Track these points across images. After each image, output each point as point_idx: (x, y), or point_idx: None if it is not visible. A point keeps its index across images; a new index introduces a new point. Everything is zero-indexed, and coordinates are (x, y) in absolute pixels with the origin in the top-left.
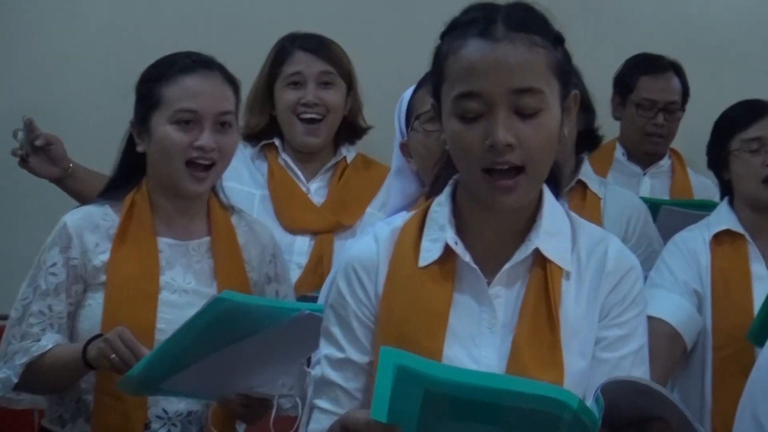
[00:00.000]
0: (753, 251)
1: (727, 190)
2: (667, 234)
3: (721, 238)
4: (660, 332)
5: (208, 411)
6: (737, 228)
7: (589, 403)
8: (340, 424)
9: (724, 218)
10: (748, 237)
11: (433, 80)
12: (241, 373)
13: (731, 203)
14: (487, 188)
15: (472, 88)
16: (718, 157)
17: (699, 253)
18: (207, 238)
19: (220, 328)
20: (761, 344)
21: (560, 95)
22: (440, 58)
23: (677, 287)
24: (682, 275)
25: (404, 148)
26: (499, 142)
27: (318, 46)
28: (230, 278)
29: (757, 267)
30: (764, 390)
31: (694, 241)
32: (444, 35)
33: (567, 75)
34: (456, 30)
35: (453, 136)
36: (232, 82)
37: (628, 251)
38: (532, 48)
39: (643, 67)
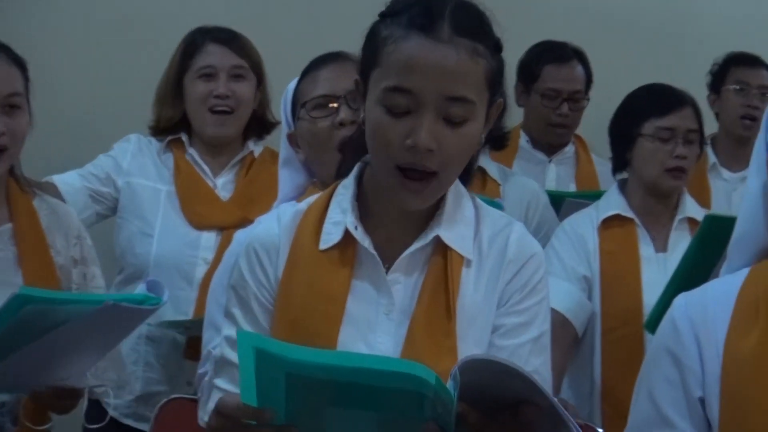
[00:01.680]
0: (642, 234)
1: (619, 167)
2: None
3: (610, 222)
4: (552, 320)
5: (20, 403)
6: (627, 213)
7: (449, 381)
8: (215, 410)
9: (613, 203)
10: (637, 221)
11: (364, 60)
12: (50, 366)
13: (621, 187)
14: (397, 185)
15: (405, 84)
16: (624, 136)
17: (587, 237)
18: (9, 225)
19: (22, 324)
20: None
21: (488, 104)
22: (377, 40)
23: (566, 274)
24: (570, 262)
25: (291, 138)
26: (421, 144)
27: (230, 38)
28: (35, 266)
29: (645, 249)
30: (659, 369)
31: (582, 226)
32: (384, 16)
33: (498, 85)
34: (399, 16)
35: (375, 125)
36: (19, 63)
37: (530, 238)
38: (473, 57)
39: (547, 55)
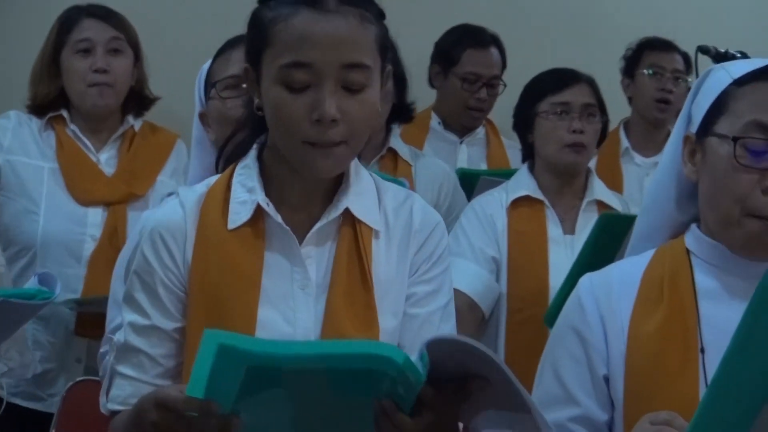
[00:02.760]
0: (551, 215)
1: (529, 153)
2: None
3: (519, 202)
4: (459, 303)
5: None
6: (536, 194)
7: (414, 358)
8: (154, 401)
9: (523, 184)
10: (546, 202)
11: (253, 45)
12: None
13: (531, 168)
14: (307, 157)
15: (302, 58)
16: (524, 119)
17: (496, 218)
18: None
19: None
20: None
21: (381, 71)
22: (264, 23)
23: (475, 256)
24: (479, 243)
25: (203, 117)
26: (326, 116)
27: (106, 13)
28: None
29: (553, 231)
30: (565, 347)
31: (491, 207)
32: (265, 0)
33: (387, 50)
34: None
35: (276, 104)
36: None
37: (431, 208)
38: (362, 23)
39: (468, 40)
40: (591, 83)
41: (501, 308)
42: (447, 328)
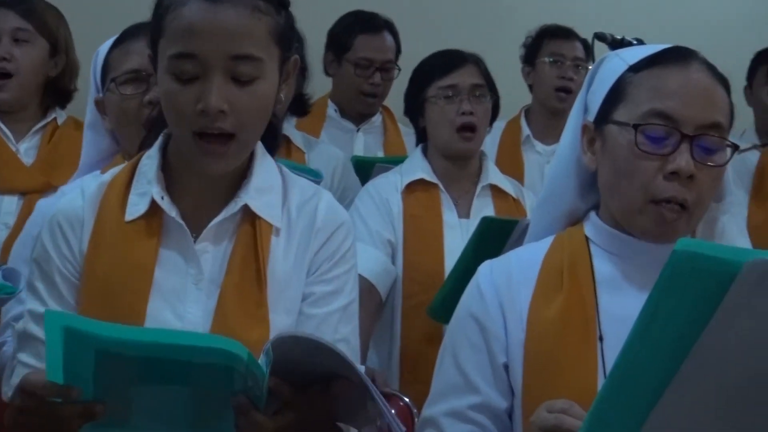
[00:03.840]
0: (445, 199)
1: (422, 138)
2: None
3: (414, 186)
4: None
5: None
6: (430, 177)
7: (261, 356)
8: (19, 387)
9: (417, 167)
10: (441, 186)
11: (151, 34)
12: None
13: (425, 151)
14: (198, 151)
15: (189, 49)
16: (415, 105)
17: (392, 201)
18: None
19: None
20: (444, 321)
21: (279, 61)
22: (160, 10)
23: (372, 239)
24: (375, 226)
25: (99, 104)
26: (211, 107)
27: (16, 1)
28: None
29: (448, 215)
30: (464, 335)
31: (387, 190)
32: None
33: (288, 41)
34: None
35: (166, 95)
36: None
37: (339, 207)
38: (254, 14)
39: (359, 26)
40: (478, 63)
41: (396, 293)
42: (346, 330)
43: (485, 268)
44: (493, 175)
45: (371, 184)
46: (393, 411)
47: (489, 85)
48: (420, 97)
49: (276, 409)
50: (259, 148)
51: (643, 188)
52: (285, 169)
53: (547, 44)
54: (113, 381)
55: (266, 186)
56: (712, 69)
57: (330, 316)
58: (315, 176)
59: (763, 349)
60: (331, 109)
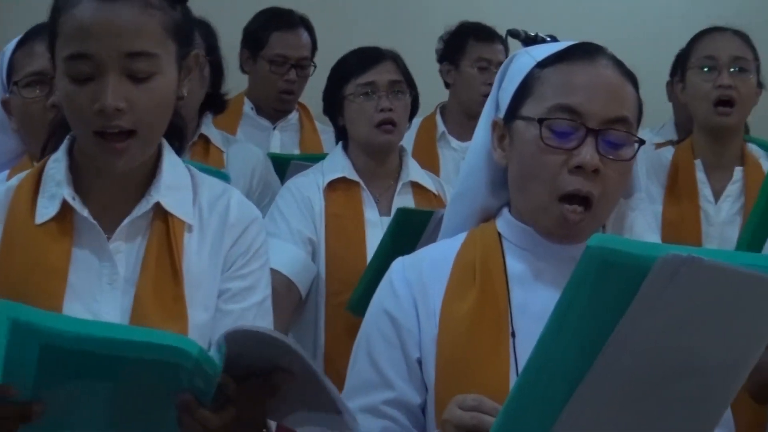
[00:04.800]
0: (366, 197)
1: (342, 136)
2: None
3: (335, 184)
4: (276, 283)
5: None
6: (351, 175)
7: (212, 351)
8: None
9: (338, 165)
10: (362, 183)
11: (49, 35)
12: None
13: (345, 149)
14: (99, 150)
15: (82, 49)
16: (334, 103)
17: (313, 200)
18: None
19: None
20: (363, 316)
21: (177, 56)
22: (54, 13)
23: (292, 236)
24: (295, 224)
25: (6, 104)
26: (107, 107)
27: None
28: None
29: (370, 212)
30: (378, 330)
31: (308, 188)
32: None
33: (186, 36)
34: None
35: (65, 96)
36: None
37: (250, 203)
38: (146, 10)
39: (274, 22)
40: (396, 59)
41: (319, 291)
42: (262, 325)
43: (398, 264)
44: (413, 171)
45: (292, 183)
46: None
47: (407, 82)
48: (339, 94)
49: (219, 404)
50: (166, 147)
51: (548, 183)
52: (192, 168)
53: (471, 47)
54: (54, 379)
55: (176, 184)
56: (619, 65)
57: (246, 311)
58: (222, 178)
59: (675, 343)
60: (248, 107)
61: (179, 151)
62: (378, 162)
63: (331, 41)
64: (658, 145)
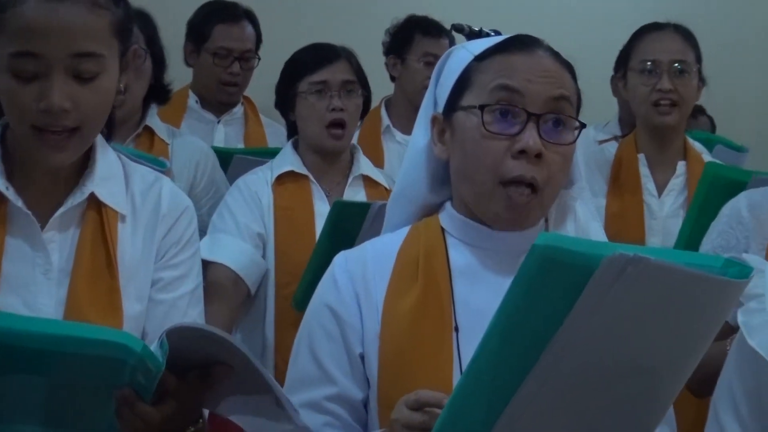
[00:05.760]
0: (316, 190)
1: (293, 132)
2: None
3: (284, 178)
4: (222, 277)
5: None
6: (300, 169)
7: (154, 347)
8: None
9: (287, 160)
10: (311, 177)
11: None
12: None
13: (296, 145)
14: (38, 144)
15: (29, 48)
16: (286, 99)
17: (262, 194)
18: None
19: None
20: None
21: (120, 53)
22: None
23: (240, 232)
24: (243, 219)
25: None
26: (54, 107)
27: None
28: None
29: (320, 206)
30: (320, 325)
31: (257, 184)
32: None
33: (128, 32)
34: None
35: (5, 93)
36: None
37: (181, 192)
38: (93, 9)
39: (218, 15)
40: (350, 58)
41: (268, 285)
42: (194, 313)
43: (340, 258)
44: (364, 165)
45: (241, 180)
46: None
47: (360, 81)
48: (291, 91)
49: (158, 398)
50: (99, 138)
51: (492, 170)
52: (124, 157)
53: (418, 42)
54: None
55: (109, 174)
56: (556, 55)
57: (179, 300)
58: (160, 165)
59: (620, 342)
60: (192, 100)
61: (108, 138)
62: (328, 160)
63: (276, 34)
64: (602, 142)
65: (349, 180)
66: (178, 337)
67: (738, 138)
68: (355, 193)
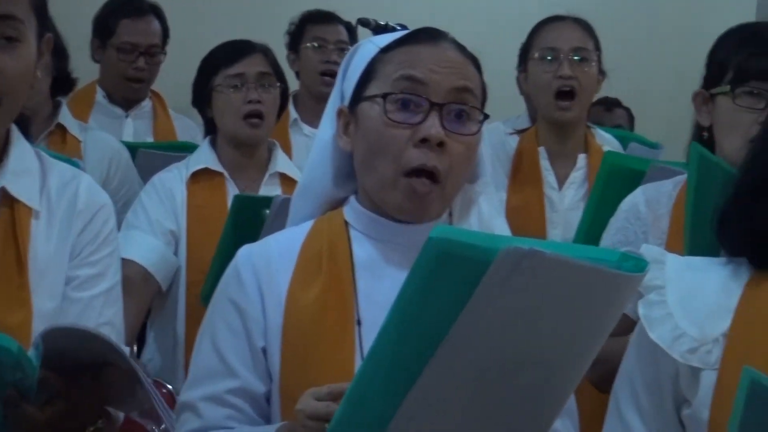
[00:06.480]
0: (231, 188)
1: (211, 127)
2: (145, 175)
3: (199, 176)
4: (132, 274)
5: None
6: (216, 166)
7: (30, 349)
8: None
9: (203, 157)
10: (226, 174)
11: None
12: None
13: (213, 143)
14: None
15: None
16: (202, 94)
17: (176, 192)
18: None
19: None
20: None
21: (37, 34)
22: None
23: (152, 228)
24: (156, 216)
25: None
26: None
27: None
28: None
29: None
30: (223, 318)
31: (171, 181)
32: None
33: (44, 14)
34: None
35: None
36: None
37: (99, 189)
38: None
39: (123, 10)
40: (265, 52)
41: (180, 282)
42: (110, 312)
43: (244, 251)
44: (281, 163)
45: (157, 177)
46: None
47: (277, 74)
48: (207, 86)
49: (46, 399)
50: (14, 132)
51: (394, 160)
52: (42, 153)
53: (309, 30)
54: None
55: (23, 169)
56: (461, 47)
57: (95, 299)
58: (73, 166)
59: (516, 335)
60: (100, 95)
61: (24, 135)
62: (246, 155)
63: (187, 31)
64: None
65: (265, 177)
66: (62, 337)
67: (652, 130)
68: (271, 191)
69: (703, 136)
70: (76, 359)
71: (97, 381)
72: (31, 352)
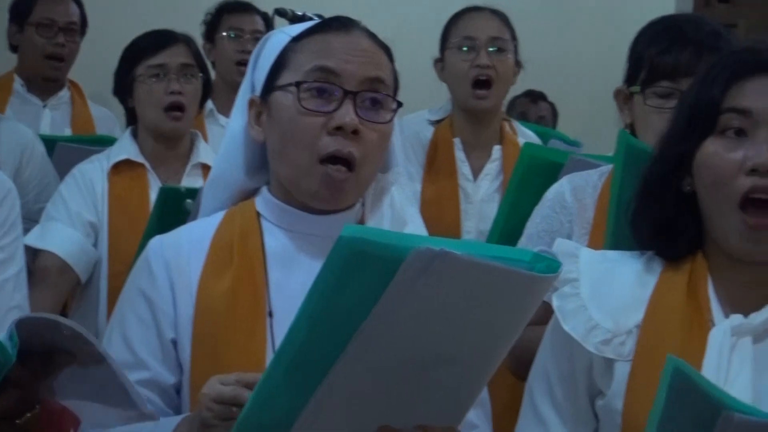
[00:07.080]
0: (153, 179)
1: (132, 119)
2: (63, 169)
3: (120, 167)
4: (50, 265)
5: None
6: (137, 158)
7: (2, 337)
8: None
9: (125, 148)
10: (148, 165)
11: None
12: None
13: (134, 133)
14: None
15: None
16: (124, 84)
17: (96, 183)
18: None
19: None
20: None
21: None
22: None
23: (71, 220)
24: (75, 207)
25: None
26: None
27: None
28: None
29: (155, 195)
30: (133, 310)
31: (92, 172)
32: None
33: None
34: None
35: None
36: None
37: (2, 176)
38: None
39: None
40: (188, 42)
41: (101, 273)
42: (19, 296)
43: (155, 242)
44: (204, 153)
45: (77, 169)
46: None
47: (199, 65)
48: (129, 76)
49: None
50: None
51: (309, 147)
52: None
53: (226, 20)
54: None
55: None
56: (373, 36)
57: (5, 283)
58: None
59: (428, 333)
60: (18, 84)
61: None
62: (168, 146)
63: (102, 18)
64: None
65: (188, 168)
66: (23, 328)
67: (573, 125)
68: (193, 182)
69: (634, 132)
70: (28, 344)
71: (46, 368)
72: (5, 341)
